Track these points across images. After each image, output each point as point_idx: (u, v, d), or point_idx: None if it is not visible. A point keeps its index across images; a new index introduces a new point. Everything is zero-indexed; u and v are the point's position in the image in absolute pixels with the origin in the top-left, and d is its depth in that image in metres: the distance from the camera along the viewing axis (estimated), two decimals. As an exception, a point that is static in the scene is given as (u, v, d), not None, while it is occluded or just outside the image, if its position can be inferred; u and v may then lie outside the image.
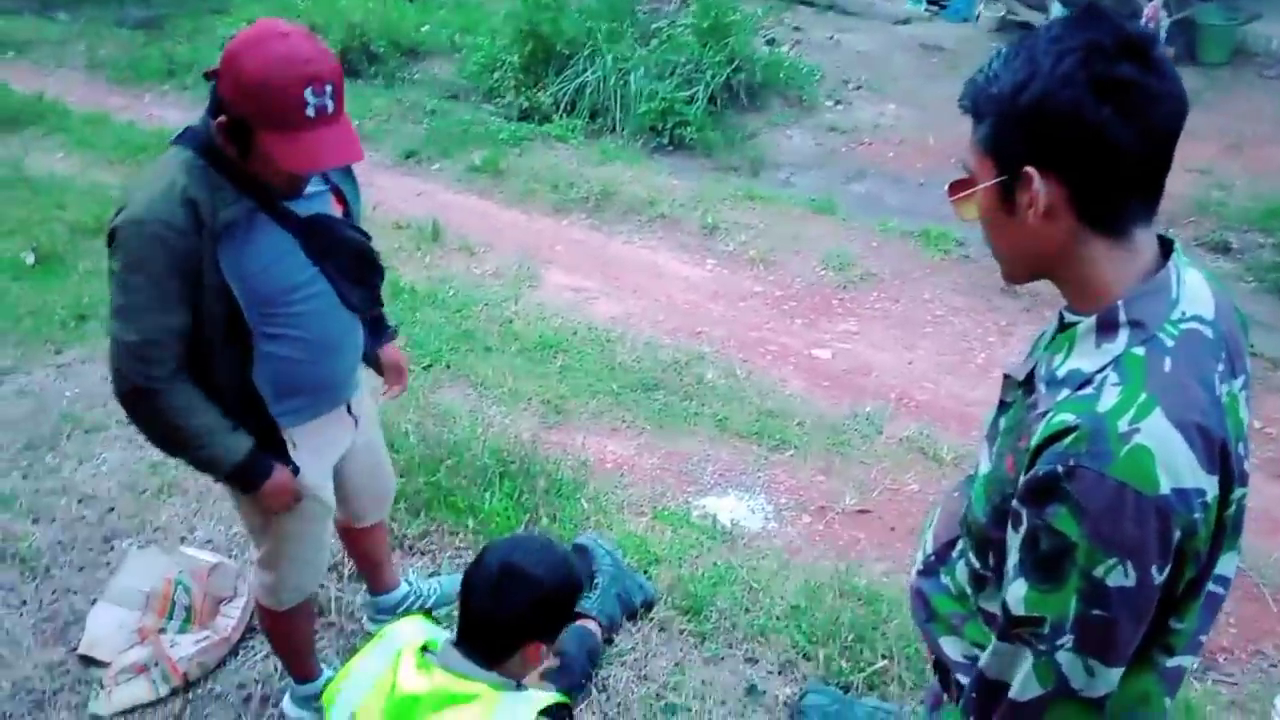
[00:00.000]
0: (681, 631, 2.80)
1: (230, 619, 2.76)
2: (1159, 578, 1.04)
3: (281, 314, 1.97)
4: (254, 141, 1.79)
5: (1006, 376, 1.28)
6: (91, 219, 5.48)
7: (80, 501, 3.30)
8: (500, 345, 4.48)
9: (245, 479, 2.04)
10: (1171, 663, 1.20)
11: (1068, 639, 1.07)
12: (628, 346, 4.47)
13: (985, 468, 1.28)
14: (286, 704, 2.55)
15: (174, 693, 2.59)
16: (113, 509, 3.27)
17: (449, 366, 4.28)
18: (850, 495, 3.52)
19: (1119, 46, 1.03)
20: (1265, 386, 4.22)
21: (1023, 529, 1.09)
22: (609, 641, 2.73)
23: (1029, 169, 1.07)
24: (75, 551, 3.07)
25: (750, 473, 3.64)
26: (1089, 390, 1.07)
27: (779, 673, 2.68)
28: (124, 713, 2.53)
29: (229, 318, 1.89)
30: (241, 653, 2.73)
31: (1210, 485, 1.04)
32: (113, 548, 3.09)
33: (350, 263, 2.07)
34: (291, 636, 2.46)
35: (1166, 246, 1.16)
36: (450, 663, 1.85)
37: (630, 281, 5.13)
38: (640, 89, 6.90)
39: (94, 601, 2.81)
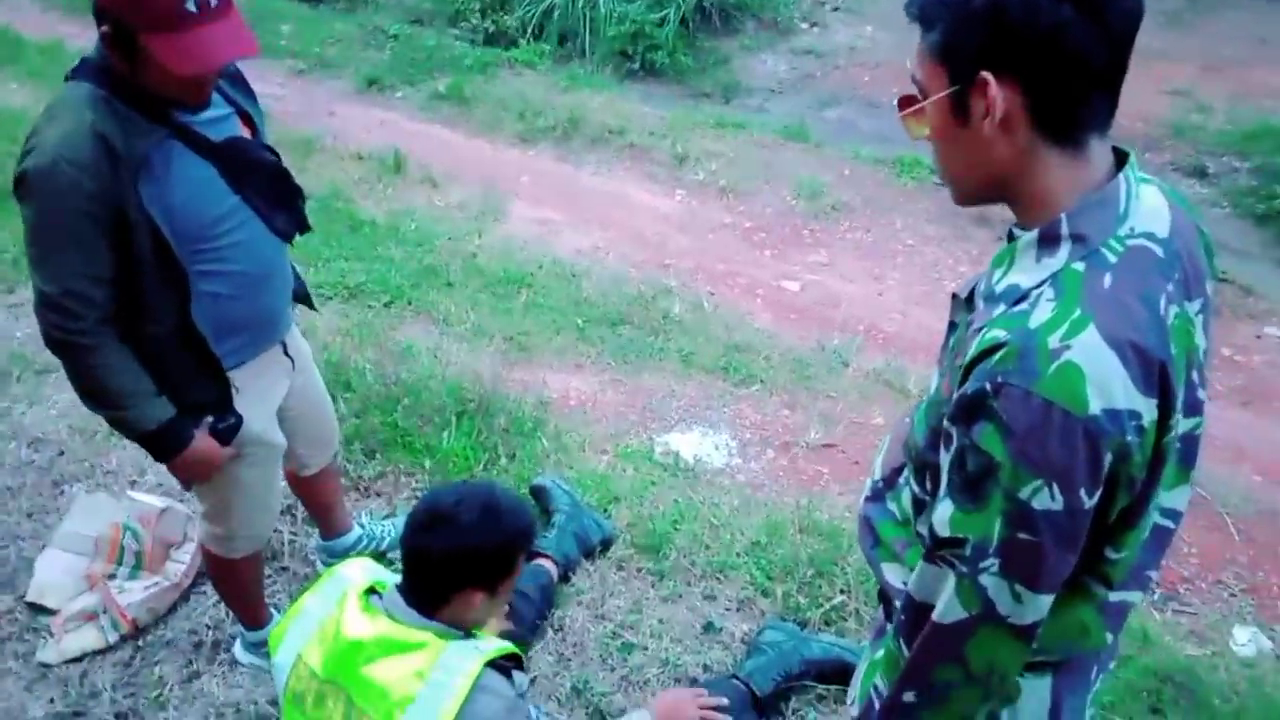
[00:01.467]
0: (639, 570, 2.77)
1: (180, 564, 2.71)
2: (1088, 502, 0.99)
3: (210, 248, 1.87)
4: (139, 49, 1.65)
5: (954, 296, 1.24)
6: (42, 152, 5.31)
7: (30, 445, 3.22)
8: (463, 280, 4.38)
9: (158, 447, 1.95)
10: (1114, 597, 1.16)
11: (992, 562, 1.03)
12: (594, 281, 4.39)
13: (930, 391, 1.23)
14: (238, 650, 2.52)
15: (124, 639, 2.55)
16: (63, 452, 3.20)
17: (410, 303, 4.19)
18: (815, 430, 3.48)
19: None
20: (1236, 314, 4.19)
21: (952, 448, 1.05)
22: (565, 580, 2.71)
23: (985, 74, 1.00)
24: (24, 497, 3.01)
25: (715, 408, 3.60)
26: (1023, 306, 1.03)
27: (737, 610, 2.67)
28: (73, 660, 2.50)
29: (159, 257, 1.79)
30: (192, 598, 2.69)
31: (1146, 408, 0.99)
32: (62, 492, 3.03)
33: (271, 186, 1.98)
34: (241, 584, 2.42)
35: (1121, 159, 1.09)
36: (394, 609, 1.81)
37: (598, 213, 5.03)
38: (609, 11, 6.71)
39: (43, 548, 2.76)
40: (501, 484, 2.41)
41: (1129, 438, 0.97)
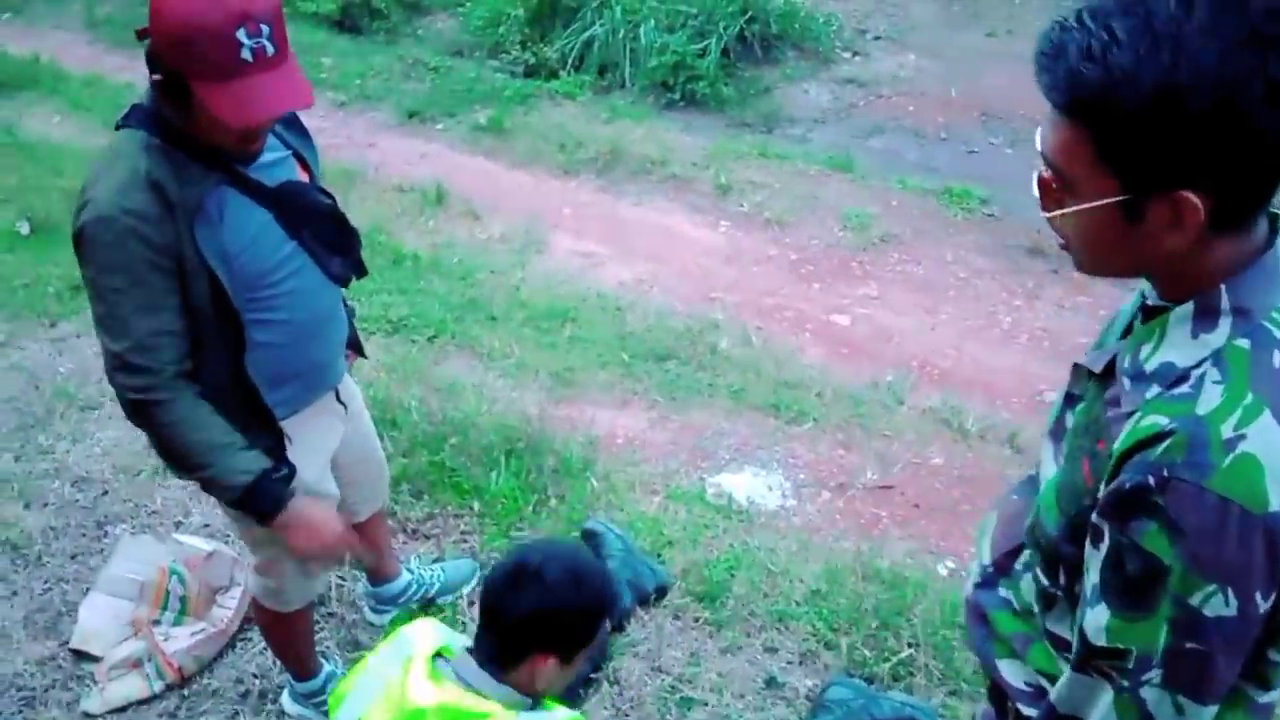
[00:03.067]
0: (697, 619, 2.68)
1: (227, 610, 2.65)
2: (1264, 605, 0.90)
3: (266, 296, 1.82)
4: (192, 97, 1.60)
5: (1076, 366, 1.13)
6: (87, 186, 5.35)
7: (73, 484, 3.19)
8: (507, 314, 4.33)
9: (254, 505, 1.82)
10: (1264, 698, 1.05)
11: (1155, 673, 0.94)
12: (639, 314, 4.32)
13: (1051, 471, 1.13)
14: (286, 700, 2.45)
15: (169, 688, 2.49)
16: (107, 492, 3.16)
17: (454, 337, 4.14)
18: (871, 470, 3.38)
19: None
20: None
21: (1104, 547, 0.96)
22: (620, 629, 2.61)
23: (1186, 194, 0.88)
24: (68, 538, 2.97)
25: (767, 447, 3.50)
26: (1185, 388, 0.93)
27: (799, 663, 2.56)
28: (118, 710, 2.44)
29: (216, 306, 1.74)
30: (239, 645, 2.63)
31: None
32: (106, 533, 2.99)
33: (327, 230, 1.92)
34: (293, 636, 2.35)
35: (1274, 222, 1.00)
36: (463, 673, 1.73)
37: (641, 245, 4.96)
38: (650, 42, 6.67)
39: (86, 591, 2.71)
40: (588, 550, 2.33)
41: None
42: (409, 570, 2.70)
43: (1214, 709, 0.95)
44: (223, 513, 2.15)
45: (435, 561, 2.83)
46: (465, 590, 2.73)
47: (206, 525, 3.00)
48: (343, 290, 2.06)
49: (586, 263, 4.81)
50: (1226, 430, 0.88)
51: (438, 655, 1.79)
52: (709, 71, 6.52)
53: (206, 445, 1.77)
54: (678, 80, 6.52)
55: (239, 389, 1.83)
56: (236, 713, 2.45)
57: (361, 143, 6.18)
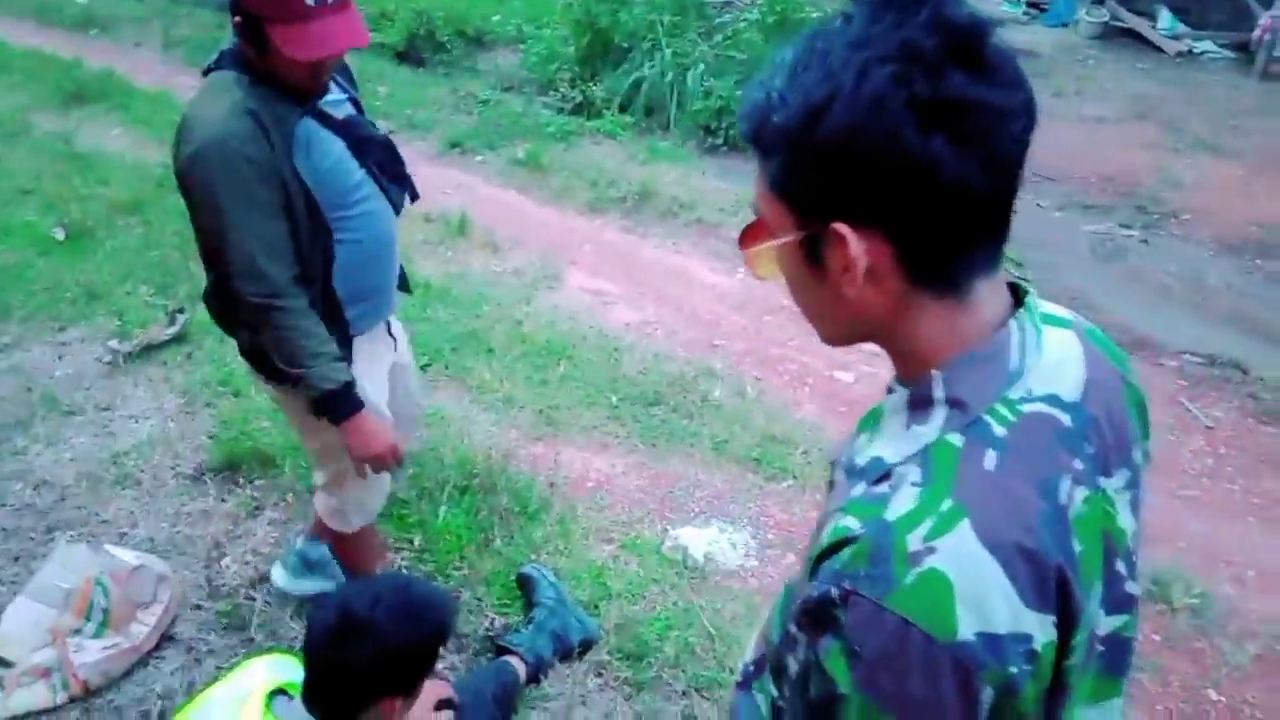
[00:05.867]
0: (618, 679, 2.54)
1: (145, 626, 2.61)
2: None
3: (347, 216, 2.04)
4: (267, 38, 1.84)
5: (832, 463, 0.99)
6: (129, 196, 5.50)
7: (35, 488, 3.21)
8: (505, 348, 4.27)
9: (335, 407, 2.06)
10: None
11: None
12: (636, 357, 4.22)
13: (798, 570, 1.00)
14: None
15: (72, 700, 2.45)
16: (65, 498, 3.17)
17: (447, 368, 4.09)
18: (845, 535, 3.20)
19: (945, 49, 0.73)
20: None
21: (798, 663, 0.83)
22: (535, 681, 2.50)
23: (839, 226, 0.78)
24: (16, 540, 2.98)
25: (740, 503, 3.36)
26: (883, 488, 0.80)
27: (717, 736, 2.41)
28: (18, 717, 2.40)
29: (312, 222, 1.98)
30: (152, 663, 2.59)
31: (1039, 628, 0.75)
32: (54, 539, 2.98)
33: (386, 159, 2.12)
34: (356, 556, 2.55)
35: (1020, 299, 0.86)
36: (289, 718, 1.66)
37: (654, 287, 4.87)
38: (697, 86, 6.64)
39: (15, 596, 2.70)
40: (416, 575, 2.27)
41: (1014, 668, 0.73)
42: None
43: None
44: (297, 424, 2.31)
45: None
46: None
47: (150, 539, 2.98)
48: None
49: (596, 301, 4.74)
50: (914, 541, 0.74)
51: (280, 692, 1.72)
52: (752, 117, 6.44)
53: (312, 351, 2.00)
54: (720, 125, 6.47)
55: (326, 302, 2.06)
56: (133, 733, 2.40)
57: (401, 171, 6.24)
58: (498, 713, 2.34)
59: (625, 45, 6.99)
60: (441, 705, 2.24)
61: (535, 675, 2.50)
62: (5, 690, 2.45)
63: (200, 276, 2.19)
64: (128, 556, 2.73)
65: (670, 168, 6.04)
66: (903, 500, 0.77)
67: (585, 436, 3.69)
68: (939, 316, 0.82)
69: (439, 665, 2.52)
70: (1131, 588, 0.88)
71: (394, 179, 2.15)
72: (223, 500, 3.16)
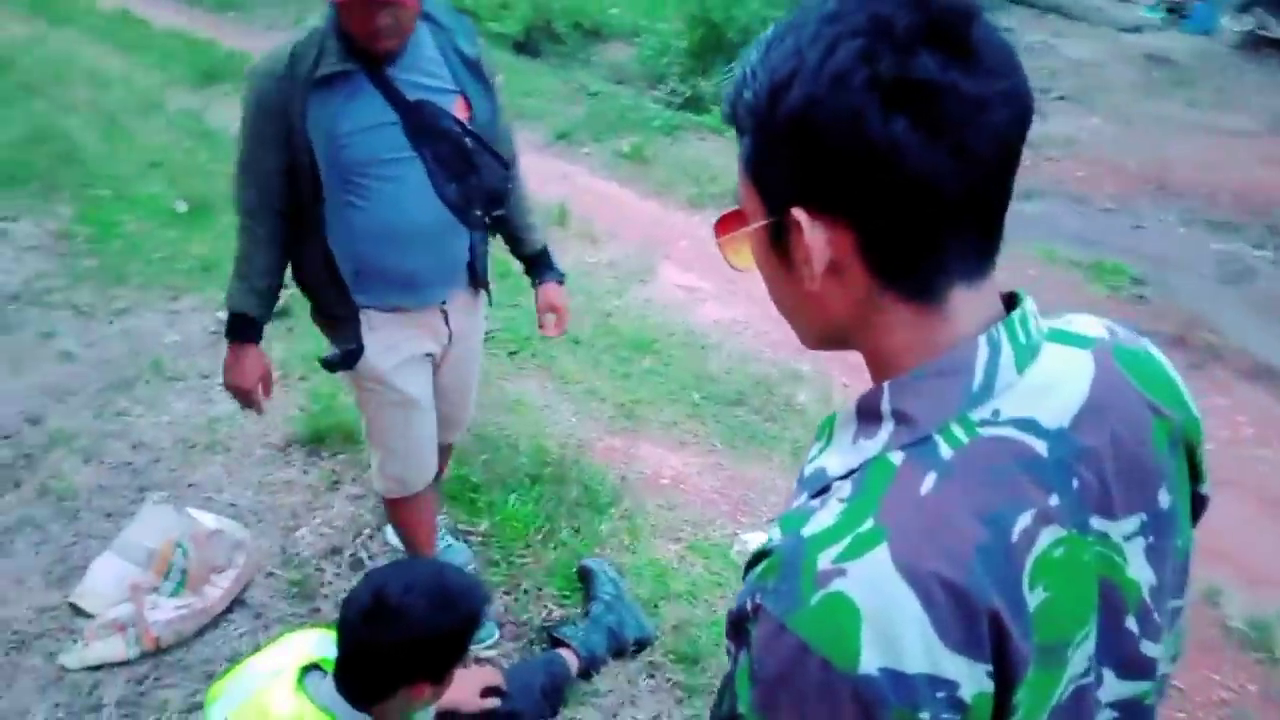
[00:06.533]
0: (670, 680, 2.50)
1: (218, 589, 2.69)
2: None
3: (361, 184, 2.05)
4: None
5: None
6: (248, 175, 5.71)
7: (133, 448, 3.35)
8: (592, 340, 4.27)
9: (228, 326, 2.24)
10: None
11: None
12: (723, 355, 4.17)
13: None
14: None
15: (144, 655, 2.54)
16: (159, 460, 3.30)
17: (534, 356, 4.12)
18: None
19: (920, 28, 0.67)
20: None
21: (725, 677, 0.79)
22: (586, 676, 2.48)
23: (796, 211, 0.72)
24: (109, 497, 3.11)
25: (815, 511, 3.27)
26: (815, 502, 0.73)
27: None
28: (92, 668, 2.51)
29: (313, 173, 2.02)
30: (222, 625, 2.66)
31: (966, 675, 0.66)
32: (144, 498, 3.11)
33: (449, 154, 2.11)
34: (405, 525, 2.60)
35: (1014, 303, 0.79)
36: (320, 695, 1.68)
37: (747, 286, 4.79)
38: (809, 84, 6.52)
39: (103, 551, 2.82)
40: (450, 564, 2.27)
41: (927, 713, 0.65)
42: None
43: None
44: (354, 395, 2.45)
45: (449, 546, 2.83)
46: None
47: (233, 505, 3.08)
48: (469, 226, 2.21)
49: (688, 297, 4.70)
50: (824, 560, 0.68)
51: (314, 667, 1.74)
52: (864, 118, 6.30)
53: (239, 273, 2.18)
54: (831, 124, 6.34)
55: (325, 257, 2.11)
56: (197, 691, 2.46)
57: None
58: (545, 704, 2.33)
59: (738, 40, 6.91)
60: (489, 692, 2.26)
61: (587, 670, 2.48)
62: (85, 641, 2.56)
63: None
64: (208, 520, 2.83)
65: (775, 166, 5.95)
66: (824, 516, 0.70)
67: (664, 433, 3.66)
68: (907, 323, 0.75)
69: (491, 653, 2.54)
70: (1150, 650, 0.79)
71: (453, 177, 2.12)
72: (305, 472, 3.24)
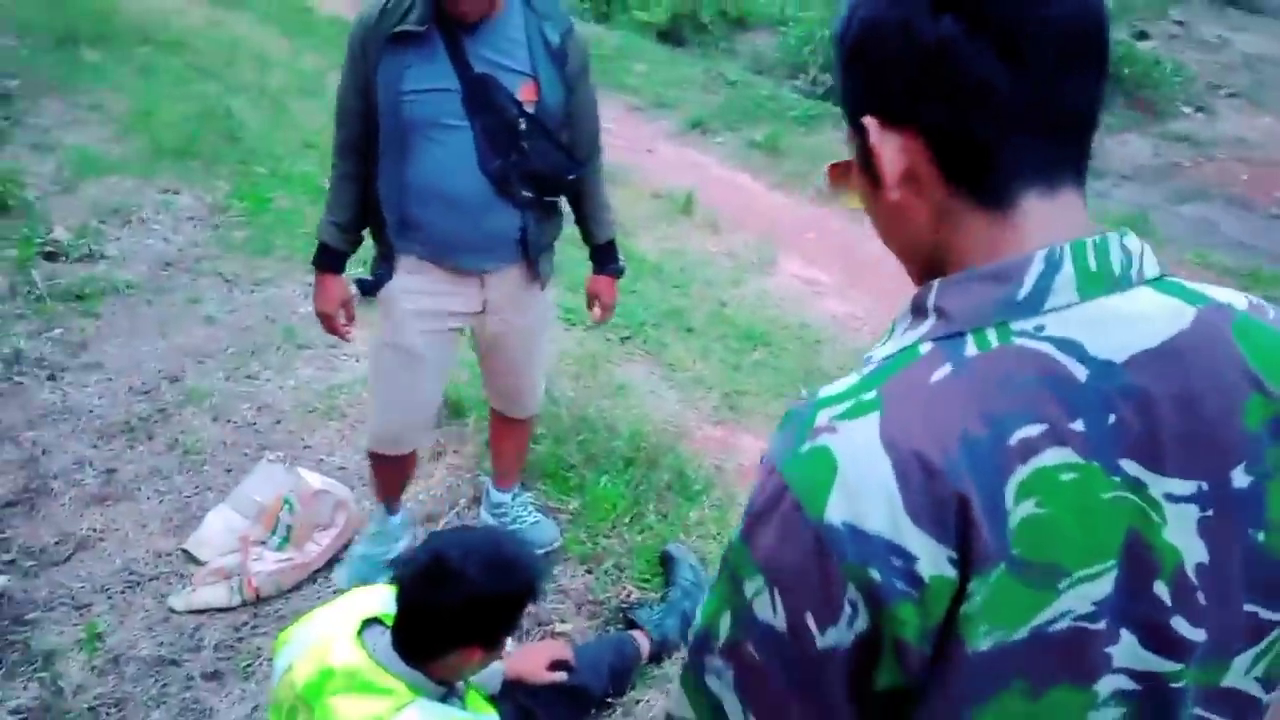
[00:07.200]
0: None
1: (318, 546, 2.82)
2: (821, 640, 0.69)
3: (413, 142, 2.15)
4: None
5: None
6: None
7: (258, 409, 3.54)
8: (704, 328, 4.26)
9: (316, 257, 2.41)
10: None
11: (723, 667, 0.76)
12: (836, 350, 4.08)
13: None
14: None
15: (245, 604, 2.69)
16: (280, 421, 3.48)
17: (644, 342, 4.14)
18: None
19: None
20: None
21: None
22: (657, 660, 2.48)
23: (866, 119, 0.77)
24: (232, 453, 3.30)
25: (915, 514, 3.17)
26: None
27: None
28: (197, 611, 2.67)
29: (374, 116, 2.15)
30: (320, 581, 2.79)
31: (926, 552, 0.67)
32: (263, 457, 3.28)
33: (497, 129, 2.16)
34: (380, 482, 2.71)
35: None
36: (376, 648, 1.74)
37: (871, 282, 4.68)
38: (954, 76, 6.30)
39: (219, 504, 3.00)
40: (510, 534, 2.29)
41: (877, 573, 0.67)
42: (512, 496, 2.88)
43: None
44: None
45: (536, 521, 2.88)
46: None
47: (343, 468, 3.22)
48: (515, 204, 2.26)
49: (807, 290, 4.62)
50: (823, 417, 0.72)
51: (375, 622, 1.80)
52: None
53: (327, 204, 2.38)
54: (976, 117, 6.11)
55: (377, 196, 2.25)
56: (289, 642, 2.60)
57: (641, 147, 6.36)
58: (610, 684, 2.35)
59: (884, 30, 6.74)
60: (557, 666, 2.29)
61: (658, 654, 2.48)
62: (193, 586, 2.74)
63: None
64: (315, 480, 2.96)
65: (912, 159, 5.78)
66: (840, 383, 0.75)
67: (766, 425, 3.61)
68: (976, 228, 0.77)
69: (567, 628, 2.57)
70: (1186, 631, 0.73)
71: (498, 152, 2.17)
72: (410, 442, 3.36)
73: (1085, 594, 0.70)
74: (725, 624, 0.75)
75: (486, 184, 2.20)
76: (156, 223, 5.03)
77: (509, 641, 1.90)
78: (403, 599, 1.72)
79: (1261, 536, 0.75)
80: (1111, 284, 0.73)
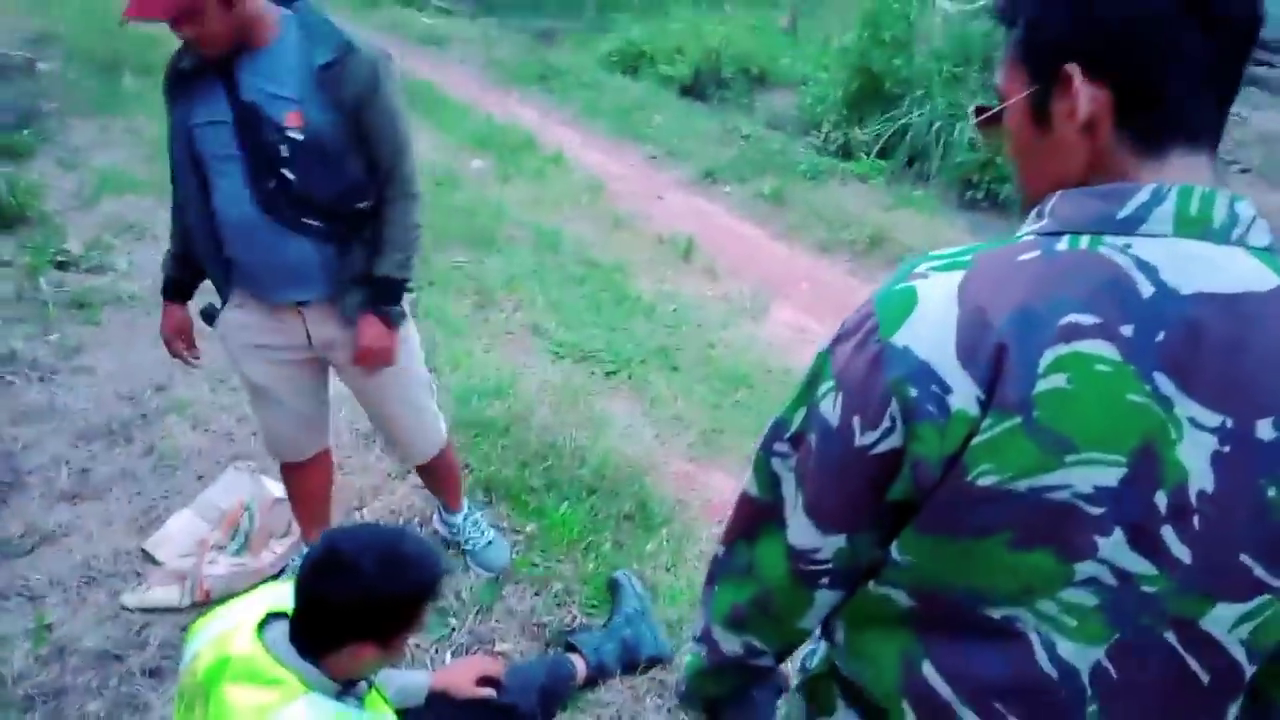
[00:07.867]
0: (675, 708, 2.46)
1: (272, 554, 2.85)
2: (859, 438, 0.86)
3: (210, 176, 2.19)
4: None
5: None
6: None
7: (238, 420, 3.60)
8: (690, 367, 4.29)
9: (162, 285, 2.52)
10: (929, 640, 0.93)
11: (786, 448, 0.96)
12: (818, 396, 4.08)
13: None
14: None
15: (194, 606, 2.72)
16: (256, 433, 3.51)
17: (629, 377, 4.17)
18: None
19: None
20: None
21: None
22: (592, 684, 2.47)
23: (1069, 67, 0.85)
24: (205, 461, 3.35)
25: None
26: None
27: (759, 784, 2.26)
28: (148, 610, 2.70)
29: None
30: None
31: (961, 387, 0.80)
32: (235, 466, 3.33)
33: (260, 157, 2.13)
34: (288, 492, 2.76)
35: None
36: (275, 640, 1.75)
37: (861, 332, 4.70)
38: (964, 137, 6.35)
39: (183, 508, 3.04)
40: (415, 532, 2.28)
41: (917, 395, 0.81)
42: (463, 517, 2.91)
43: (825, 536, 0.93)
44: None
45: (490, 543, 2.89)
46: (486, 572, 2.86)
47: (310, 481, 3.25)
48: (292, 230, 2.19)
49: (796, 337, 4.64)
50: (923, 266, 0.87)
51: (279, 615, 1.81)
52: (1017, 175, 6.08)
53: (170, 233, 2.48)
54: (983, 179, 6.16)
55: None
56: (232, 645, 2.62)
57: (651, 194, 6.46)
58: (538, 705, 2.33)
59: (897, 92, 6.83)
60: (485, 682, 2.28)
61: (595, 679, 2.47)
62: (147, 585, 2.77)
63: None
64: (276, 490, 3.00)
65: (915, 215, 5.83)
66: (952, 247, 0.89)
67: (740, 465, 3.61)
68: (1123, 170, 0.86)
69: (506, 647, 2.57)
70: (1171, 544, 0.81)
71: (255, 180, 2.13)
72: (380, 459, 3.40)
73: (1089, 476, 0.78)
74: (798, 417, 0.94)
75: (259, 212, 2.16)
76: (168, 241, 5.15)
77: (448, 657, 1.89)
78: (298, 591, 1.73)
79: (1272, 492, 0.80)
80: (1207, 231, 0.81)
